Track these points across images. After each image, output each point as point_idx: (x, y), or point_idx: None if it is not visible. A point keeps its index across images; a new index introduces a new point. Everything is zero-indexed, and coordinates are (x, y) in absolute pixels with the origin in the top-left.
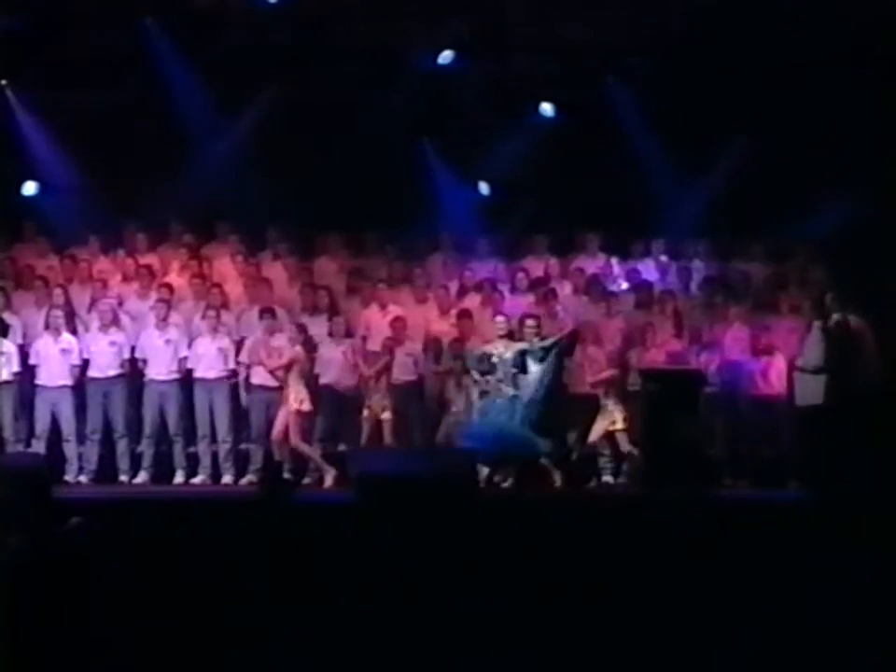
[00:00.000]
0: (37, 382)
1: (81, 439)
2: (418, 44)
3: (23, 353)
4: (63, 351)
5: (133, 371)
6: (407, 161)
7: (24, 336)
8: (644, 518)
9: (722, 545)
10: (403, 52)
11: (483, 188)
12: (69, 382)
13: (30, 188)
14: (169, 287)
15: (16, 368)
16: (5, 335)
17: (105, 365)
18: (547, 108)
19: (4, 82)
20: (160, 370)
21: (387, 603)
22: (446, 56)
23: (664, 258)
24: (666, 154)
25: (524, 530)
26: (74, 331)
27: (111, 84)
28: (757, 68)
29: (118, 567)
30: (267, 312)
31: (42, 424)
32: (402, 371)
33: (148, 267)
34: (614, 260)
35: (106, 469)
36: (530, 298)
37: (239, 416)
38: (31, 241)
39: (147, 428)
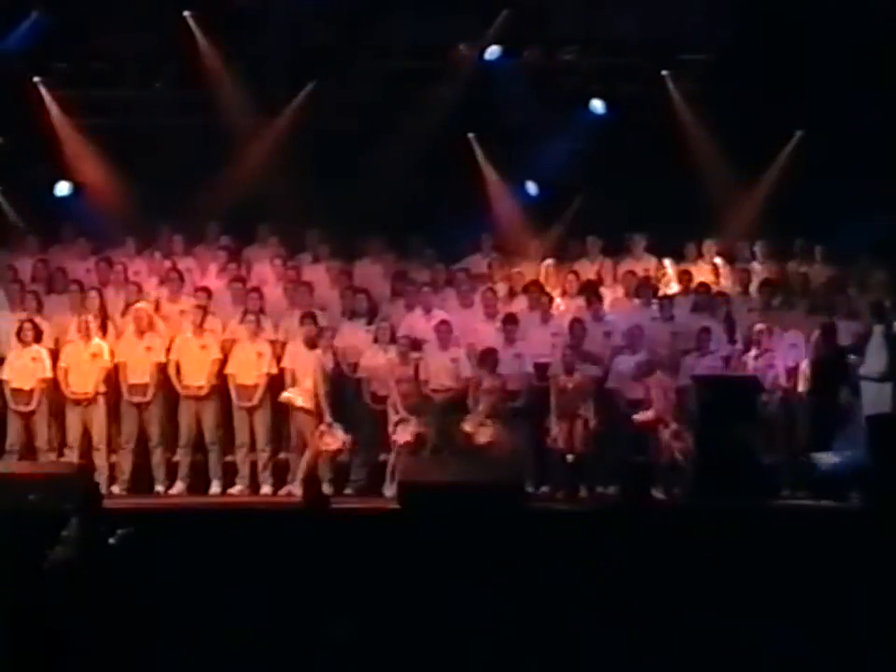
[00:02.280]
0: (69, 389)
1: (114, 448)
2: (464, 39)
3: (55, 358)
4: (94, 356)
5: (168, 378)
6: (452, 159)
7: (56, 341)
8: (698, 530)
9: (780, 558)
10: (448, 48)
11: (531, 187)
12: (101, 388)
13: (63, 188)
14: (206, 290)
15: (48, 374)
16: (38, 340)
17: (139, 371)
18: (598, 105)
19: (37, 79)
20: (196, 376)
21: (431, 612)
22: (493, 51)
23: (718, 260)
24: (722, 152)
25: (573, 541)
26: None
27: (147, 81)
28: (817, 65)
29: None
30: (308, 317)
31: (74, 432)
32: (447, 377)
33: (185, 270)
34: (666, 262)
35: (141, 480)
36: (580, 302)
37: (279, 424)
38: (67, 243)
39: (183, 437)
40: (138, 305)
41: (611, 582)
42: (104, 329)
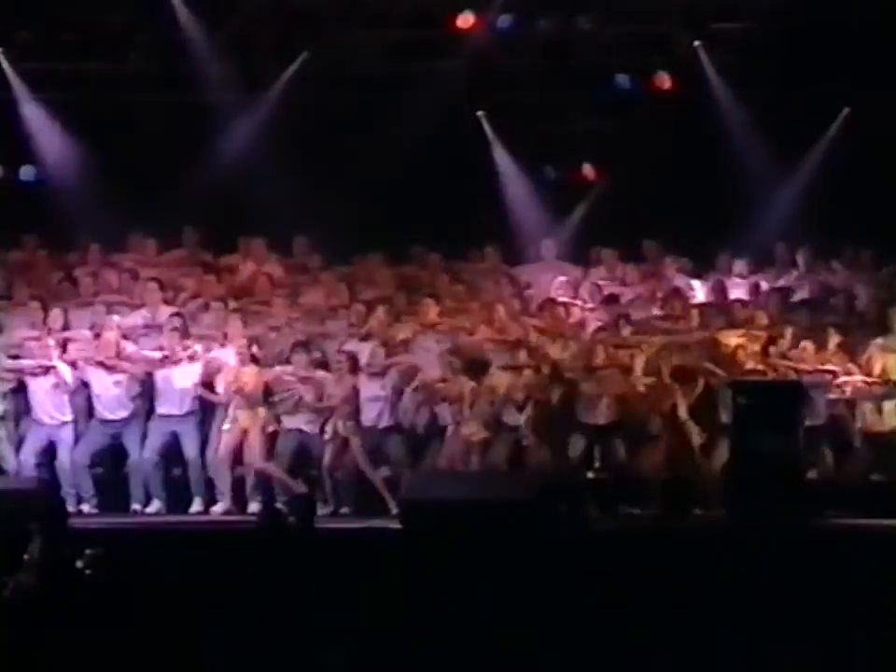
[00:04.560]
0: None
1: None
2: (472, 7)
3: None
4: (56, 386)
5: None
6: (460, 142)
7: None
8: (731, 549)
9: (821, 581)
10: (455, 16)
11: (549, 171)
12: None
13: (28, 172)
14: (179, 315)
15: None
16: None
17: (113, 405)
18: (624, 80)
19: None
20: (172, 404)
21: (430, 643)
22: (504, 20)
23: (748, 268)
24: (760, 135)
25: (597, 560)
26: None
27: (120, 53)
28: (865, 34)
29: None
30: (300, 345)
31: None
32: None
33: (159, 281)
34: (695, 284)
35: (113, 497)
36: (602, 315)
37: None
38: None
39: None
40: (107, 334)
41: (636, 609)
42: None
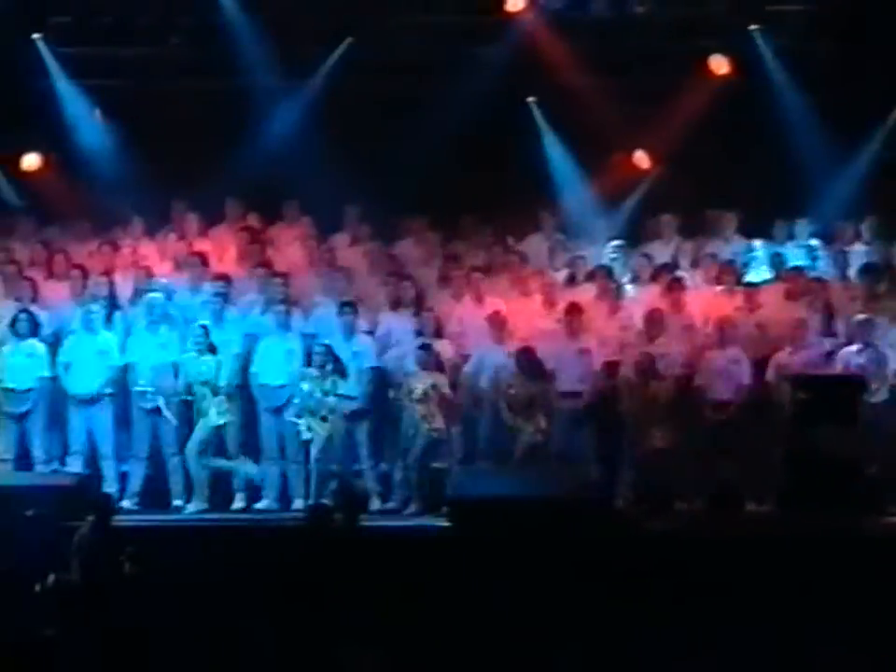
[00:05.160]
0: (71, 390)
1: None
2: None
3: (55, 353)
4: (101, 353)
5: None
6: (508, 126)
7: (56, 334)
8: (789, 548)
9: (882, 582)
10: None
11: (601, 159)
12: (108, 389)
13: (31, 161)
14: (226, 277)
15: (46, 372)
16: (34, 334)
17: (153, 370)
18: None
19: (36, 36)
20: None
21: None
22: (555, 2)
23: (814, 241)
24: (820, 118)
25: (654, 562)
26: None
27: (160, 38)
28: None
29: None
30: (347, 306)
31: (77, 438)
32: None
33: (201, 253)
34: (756, 244)
35: (155, 493)
36: (654, 289)
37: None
38: (66, 223)
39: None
40: (151, 295)
41: (687, 607)
42: (109, 320)
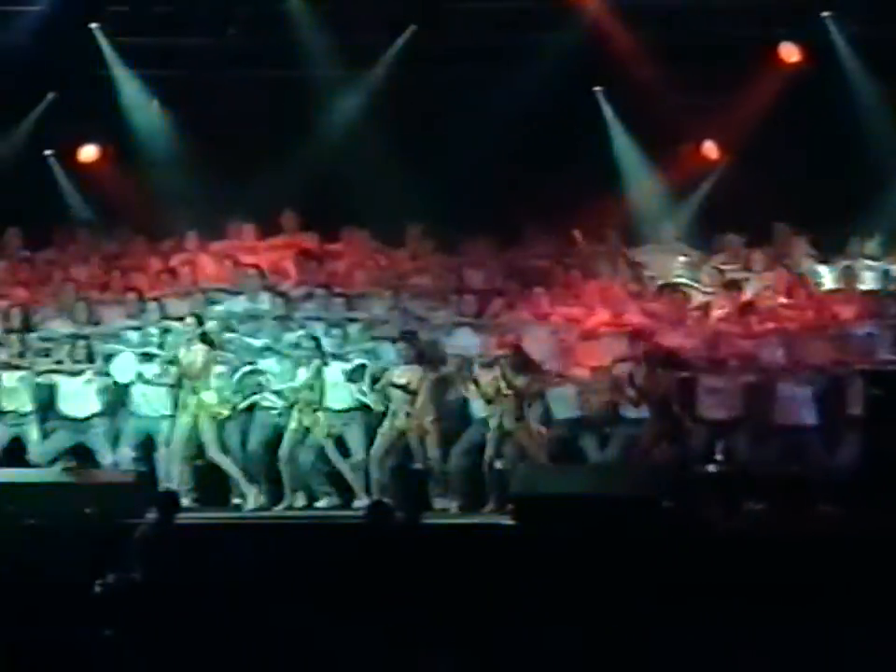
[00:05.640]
0: (132, 408)
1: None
2: None
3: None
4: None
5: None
6: (573, 116)
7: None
8: (862, 549)
9: None
10: None
11: (669, 149)
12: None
13: (89, 152)
14: (283, 294)
15: (104, 397)
16: (91, 360)
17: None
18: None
19: (94, 25)
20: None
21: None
22: None
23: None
24: (894, 108)
25: (716, 558)
26: None
27: (218, 27)
28: None
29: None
30: (408, 335)
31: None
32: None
33: (258, 268)
34: (823, 269)
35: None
36: (722, 301)
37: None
38: (124, 241)
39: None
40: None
41: (753, 609)
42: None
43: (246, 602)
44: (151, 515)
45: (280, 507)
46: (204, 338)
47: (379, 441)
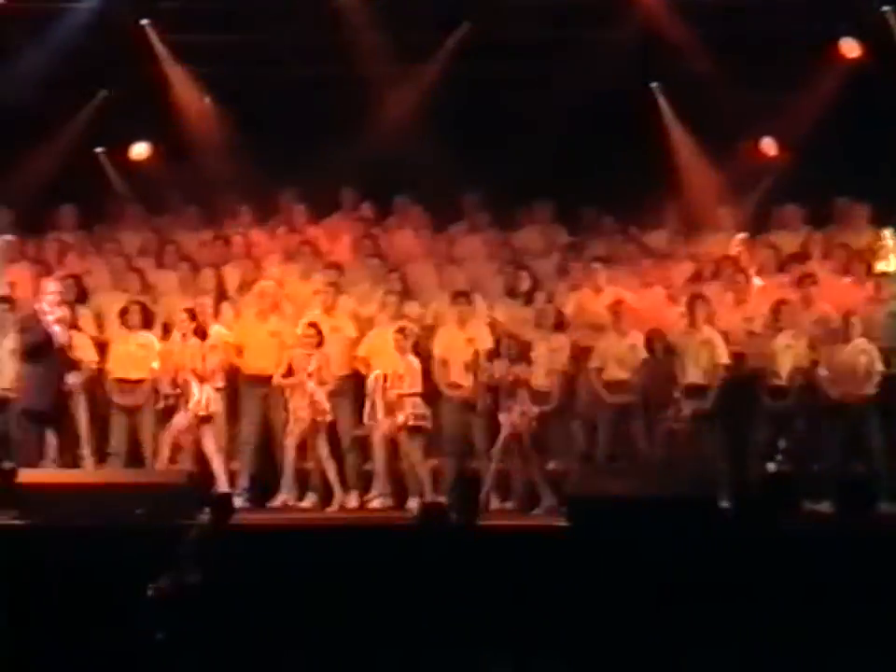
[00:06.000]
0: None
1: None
2: None
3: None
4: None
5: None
6: (632, 113)
7: (165, 326)
8: None
9: None
10: None
11: (727, 146)
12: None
13: (141, 150)
14: (338, 266)
15: (157, 364)
16: (147, 326)
17: (262, 359)
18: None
19: (145, 22)
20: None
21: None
22: None
23: None
24: None
25: (778, 566)
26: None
27: (272, 23)
28: None
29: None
30: (461, 296)
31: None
32: (621, 368)
33: (313, 243)
34: (886, 233)
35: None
36: (782, 279)
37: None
38: (175, 212)
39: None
40: (262, 283)
41: (823, 612)
42: (216, 314)
43: (299, 604)
44: (203, 516)
45: (332, 507)
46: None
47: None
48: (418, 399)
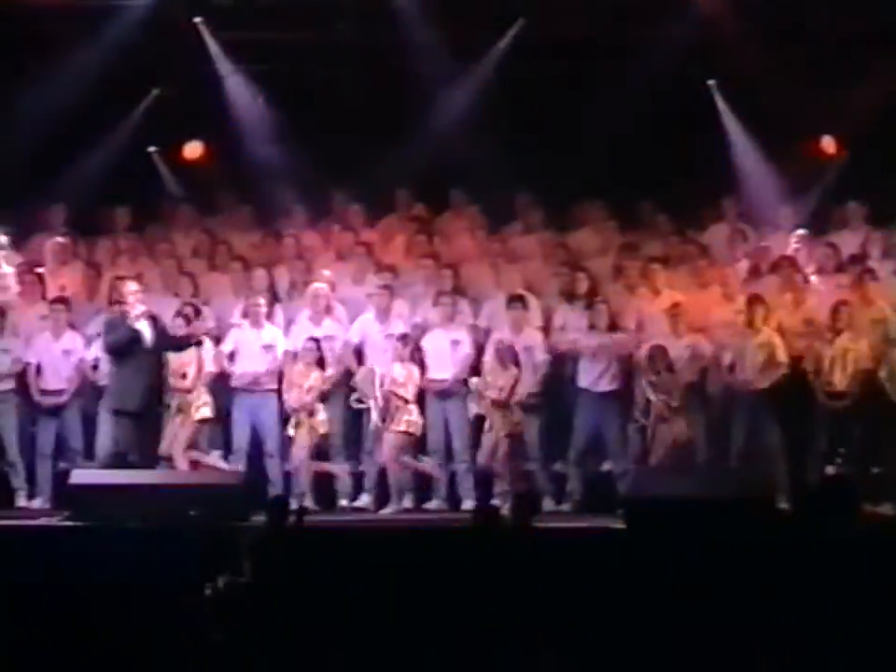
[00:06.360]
0: (235, 384)
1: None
2: None
3: (217, 345)
4: (266, 347)
5: (349, 373)
6: (688, 110)
7: (219, 328)
8: None
9: None
10: None
11: (786, 144)
12: (272, 385)
13: (194, 149)
14: (392, 268)
15: (212, 367)
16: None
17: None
18: None
19: (198, 20)
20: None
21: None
22: None
23: None
24: None
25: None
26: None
27: (326, 21)
28: None
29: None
30: (517, 299)
31: (241, 433)
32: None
33: (367, 244)
34: None
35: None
36: (841, 280)
37: (478, 429)
38: (226, 212)
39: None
40: (316, 286)
41: (887, 621)
42: (269, 315)
43: (353, 606)
44: (258, 518)
45: (388, 509)
46: None
47: None
48: (413, 406)
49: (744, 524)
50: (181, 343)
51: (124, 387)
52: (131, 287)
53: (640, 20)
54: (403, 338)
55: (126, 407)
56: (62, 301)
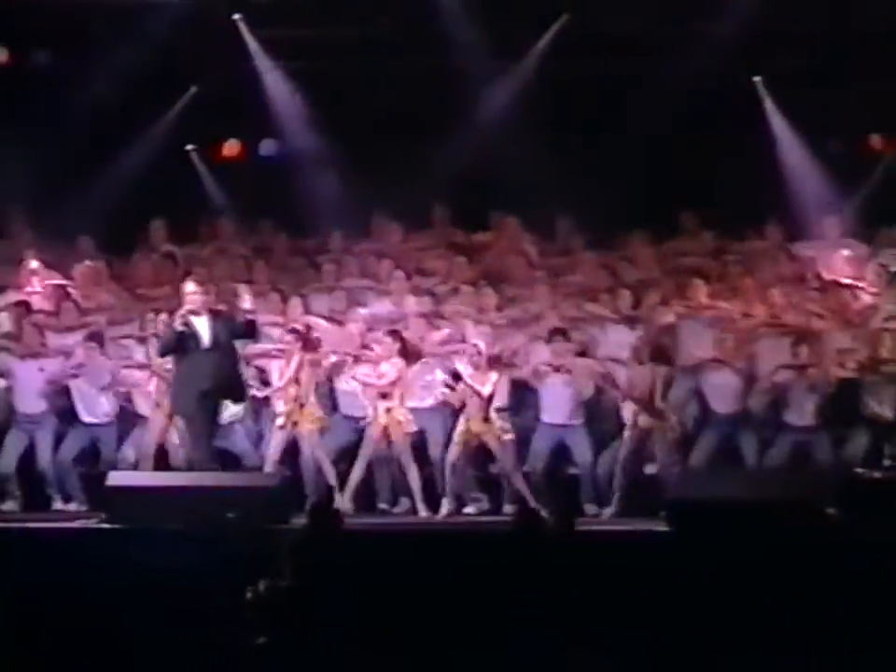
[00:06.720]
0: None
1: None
2: None
3: None
4: None
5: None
6: (734, 112)
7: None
8: None
9: None
10: None
11: (833, 143)
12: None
13: (269, 146)
14: (433, 295)
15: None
16: None
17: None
18: None
19: (237, 17)
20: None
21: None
22: None
23: None
24: None
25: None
26: None
27: (367, 17)
28: None
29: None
30: (558, 333)
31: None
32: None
33: (404, 268)
34: None
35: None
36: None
37: None
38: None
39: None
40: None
41: None
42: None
43: (394, 609)
44: (298, 521)
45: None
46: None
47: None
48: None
49: (791, 527)
50: (249, 331)
51: (177, 391)
52: (188, 287)
53: (684, 15)
54: (393, 333)
55: (178, 412)
56: (94, 338)
